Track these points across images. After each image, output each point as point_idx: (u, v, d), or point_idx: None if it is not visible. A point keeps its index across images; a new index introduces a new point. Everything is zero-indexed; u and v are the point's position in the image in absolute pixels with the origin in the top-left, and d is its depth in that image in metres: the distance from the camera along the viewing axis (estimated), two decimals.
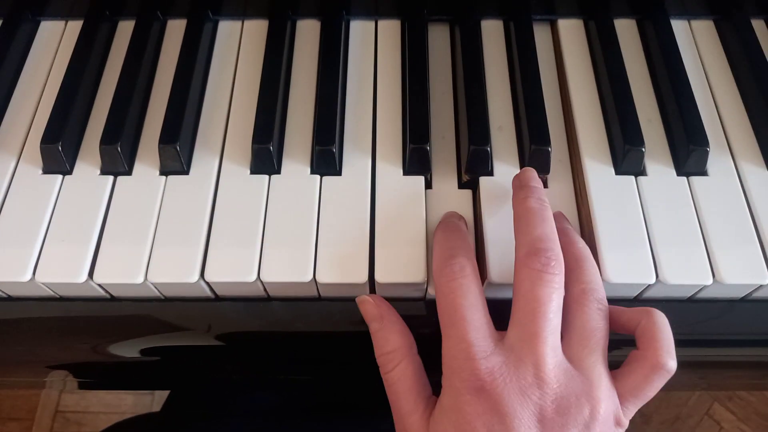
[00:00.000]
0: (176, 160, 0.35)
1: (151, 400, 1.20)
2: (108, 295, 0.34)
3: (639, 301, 0.34)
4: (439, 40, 0.41)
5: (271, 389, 0.55)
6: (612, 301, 0.31)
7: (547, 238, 0.28)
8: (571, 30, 0.41)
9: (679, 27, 0.41)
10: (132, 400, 1.21)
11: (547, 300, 0.26)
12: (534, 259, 0.27)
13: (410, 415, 0.29)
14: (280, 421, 0.55)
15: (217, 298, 0.34)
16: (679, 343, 0.34)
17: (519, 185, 0.31)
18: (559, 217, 0.33)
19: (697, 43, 0.41)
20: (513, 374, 0.26)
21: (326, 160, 0.35)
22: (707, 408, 1.16)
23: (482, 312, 0.27)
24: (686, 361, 0.35)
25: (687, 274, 0.32)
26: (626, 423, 0.27)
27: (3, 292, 0.34)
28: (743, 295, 0.34)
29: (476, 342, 0.26)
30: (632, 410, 0.27)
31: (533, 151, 0.34)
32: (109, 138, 0.35)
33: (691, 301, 0.34)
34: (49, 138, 0.35)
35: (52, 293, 0.34)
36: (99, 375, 0.42)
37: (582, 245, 0.30)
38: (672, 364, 0.27)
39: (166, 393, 1.27)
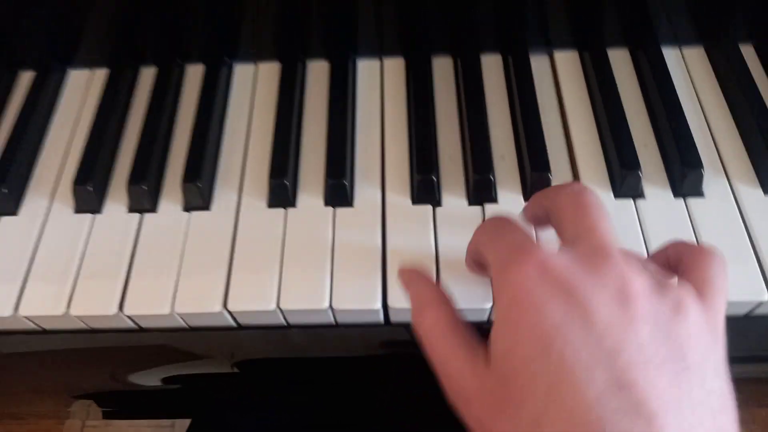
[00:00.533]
0: (198, 197, 0.37)
1: (171, 430, 1.21)
2: (136, 327, 0.36)
3: None
4: (443, 71, 0.43)
5: (290, 413, 0.56)
6: None
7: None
8: (567, 61, 0.43)
9: (670, 54, 0.43)
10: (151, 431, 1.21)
11: (595, 203, 0.25)
12: (567, 190, 0.27)
13: (449, 356, 0.25)
14: None
15: (240, 327, 0.36)
16: None
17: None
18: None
19: (689, 69, 0.43)
20: (577, 254, 0.23)
21: (338, 192, 0.37)
22: None
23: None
24: None
25: (745, 291, 0.33)
26: (717, 307, 0.24)
27: (37, 325, 0.36)
28: (744, 313, 0.35)
29: (529, 239, 0.24)
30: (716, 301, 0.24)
31: (534, 178, 0.36)
32: (136, 178, 0.37)
33: None
34: (81, 179, 0.37)
35: (84, 325, 0.36)
36: (122, 404, 0.44)
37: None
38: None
39: (185, 423, 1.28)
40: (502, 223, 0.26)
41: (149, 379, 0.39)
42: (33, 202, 0.38)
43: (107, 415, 0.51)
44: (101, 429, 1.20)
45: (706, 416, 0.20)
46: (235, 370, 0.39)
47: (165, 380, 0.40)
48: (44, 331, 0.36)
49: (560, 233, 0.26)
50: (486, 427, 0.23)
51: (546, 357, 0.21)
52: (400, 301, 0.33)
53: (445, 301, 0.27)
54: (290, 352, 0.38)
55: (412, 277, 0.30)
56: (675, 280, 0.25)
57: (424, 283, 0.29)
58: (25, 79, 0.44)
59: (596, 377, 0.20)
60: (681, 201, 0.36)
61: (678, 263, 0.26)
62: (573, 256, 0.23)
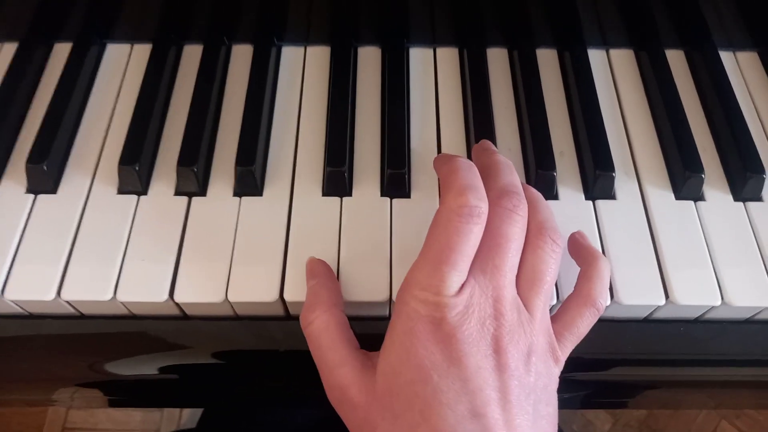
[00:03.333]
0: (252, 181, 0.35)
1: (160, 417, 1.19)
2: (181, 314, 0.35)
3: (648, 321, 0.35)
4: (497, 61, 0.43)
5: (307, 406, 0.56)
6: (621, 321, 0.34)
7: (517, 185, 0.30)
8: (623, 60, 0.43)
9: (725, 58, 0.43)
10: (140, 416, 1.20)
11: (512, 237, 0.28)
12: (506, 199, 0.29)
13: (339, 366, 0.28)
14: None
15: (288, 317, 0.35)
16: (685, 364, 0.36)
17: (482, 147, 0.34)
18: None
19: (743, 73, 0.42)
20: (475, 306, 0.27)
21: (397, 182, 0.36)
22: (715, 426, 1.17)
23: (472, 255, 0.28)
24: (695, 380, 0.37)
25: (751, 295, 0.33)
26: (563, 359, 0.29)
27: (76, 309, 0.34)
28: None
29: (453, 282, 0.27)
30: (569, 347, 0.30)
31: (598, 176, 0.36)
32: (185, 160, 0.35)
33: (699, 321, 0.35)
34: (126, 159, 0.36)
35: (126, 311, 0.34)
36: (110, 392, 0.42)
37: (534, 190, 0.32)
38: (601, 302, 0.30)
39: (175, 410, 1.25)
40: (468, 230, 0.27)
41: (145, 368, 0.38)
42: (73, 181, 0.37)
43: (92, 404, 0.49)
44: (88, 412, 1.18)
45: None
46: (253, 359, 0.38)
47: (162, 369, 0.38)
48: (31, 316, 0.35)
49: (479, 246, 0.28)
50: (367, 429, 0.27)
51: (424, 385, 0.26)
52: None
53: (336, 304, 0.30)
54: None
55: (315, 270, 0.32)
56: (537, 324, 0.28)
57: (323, 281, 0.31)
58: (61, 51, 0.42)
59: (459, 407, 0.25)
60: (741, 204, 0.36)
61: (579, 275, 0.31)
62: (467, 305, 0.27)
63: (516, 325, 0.27)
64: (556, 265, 0.29)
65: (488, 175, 0.31)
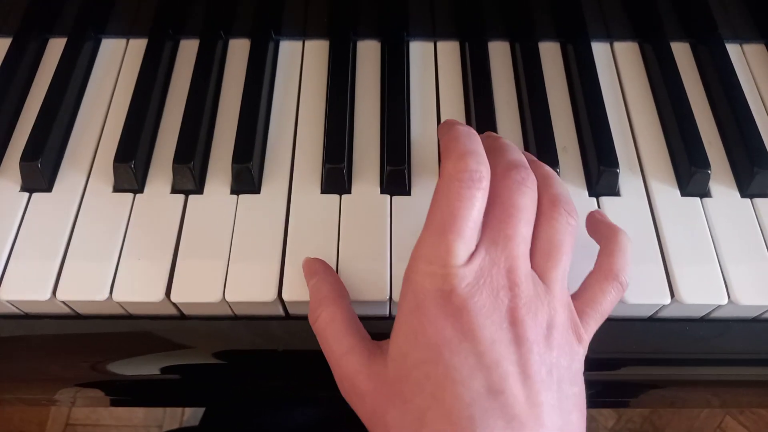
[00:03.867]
0: (249, 179, 0.35)
1: (163, 414, 1.19)
2: (178, 314, 0.34)
3: (653, 320, 0.34)
4: (499, 55, 0.42)
5: (310, 405, 0.55)
6: (625, 320, 0.33)
7: (524, 162, 0.28)
8: (628, 53, 0.42)
9: (732, 51, 0.42)
10: (143, 413, 1.20)
11: (524, 207, 0.26)
12: (514, 171, 0.27)
13: (345, 355, 0.27)
14: None
15: (288, 317, 0.35)
16: (690, 363, 0.35)
17: (487, 134, 0.33)
18: (525, 153, 0.33)
19: (750, 66, 0.42)
20: (485, 277, 0.25)
21: (397, 180, 0.35)
22: (719, 421, 1.17)
23: (478, 223, 0.26)
24: (700, 379, 0.36)
25: (758, 294, 0.32)
26: (587, 338, 0.27)
27: (72, 310, 0.34)
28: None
29: (460, 251, 0.25)
30: (592, 326, 0.28)
31: (602, 172, 0.35)
32: (182, 157, 0.35)
33: (705, 320, 0.34)
34: (122, 157, 0.35)
35: (124, 312, 0.34)
36: (110, 392, 0.42)
37: (547, 168, 0.31)
38: (624, 277, 0.28)
39: (177, 411, 1.25)
40: (472, 189, 0.26)
41: (146, 368, 0.37)
42: (68, 179, 0.36)
43: (95, 402, 0.48)
44: (91, 409, 1.18)
45: (558, 417, 0.24)
46: (255, 359, 0.37)
47: (164, 369, 0.38)
48: (27, 316, 0.34)
49: (485, 219, 0.27)
50: (378, 417, 0.26)
51: (435, 364, 0.24)
52: None
53: (341, 296, 0.29)
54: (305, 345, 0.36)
55: (313, 268, 0.31)
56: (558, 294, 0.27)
57: (323, 276, 0.30)
58: (56, 47, 0.41)
59: (474, 385, 0.24)
60: (748, 201, 0.36)
61: (599, 252, 0.29)
62: (478, 275, 0.25)
63: (533, 296, 0.25)
64: (572, 239, 0.27)
65: (494, 154, 0.29)
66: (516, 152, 0.29)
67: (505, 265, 0.25)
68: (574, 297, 0.28)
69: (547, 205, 0.28)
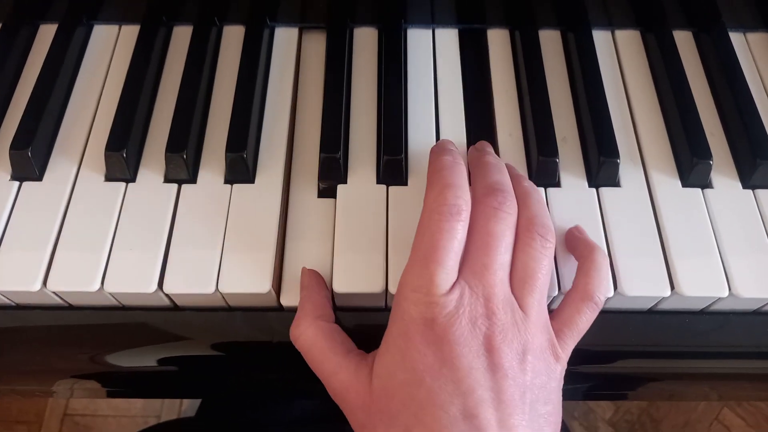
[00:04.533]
0: (243, 168, 0.34)
1: (161, 404, 1.20)
2: (172, 305, 0.34)
3: (652, 312, 0.34)
4: (499, 43, 0.41)
5: (309, 397, 0.55)
6: (624, 312, 0.33)
7: (505, 183, 0.30)
8: (629, 41, 0.41)
9: (735, 39, 0.41)
10: (141, 404, 1.20)
11: (500, 235, 0.28)
12: (491, 197, 0.29)
13: (334, 374, 0.29)
14: (318, 429, 0.54)
15: (281, 309, 0.34)
16: (689, 356, 0.35)
17: (476, 147, 0.34)
18: (509, 166, 0.34)
19: (753, 55, 0.41)
20: (465, 306, 0.27)
21: (394, 169, 0.35)
22: (716, 413, 1.17)
23: (459, 251, 0.28)
24: (699, 372, 0.36)
25: (759, 287, 0.32)
26: (564, 357, 0.29)
27: (64, 300, 0.33)
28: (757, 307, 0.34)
29: (442, 281, 0.27)
30: (570, 344, 0.29)
31: (602, 162, 0.34)
32: (174, 146, 0.34)
33: (705, 313, 0.34)
34: (113, 145, 0.34)
35: (116, 302, 0.33)
36: (107, 383, 0.41)
37: (528, 183, 0.32)
38: (598, 297, 0.29)
39: (174, 402, 1.25)
40: (452, 222, 0.27)
41: (143, 359, 0.37)
42: (59, 168, 0.35)
43: (92, 394, 0.48)
44: (89, 399, 1.18)
45: None
46: (258, 350, 0.37)
47: (161, 361, 0.37)
48: (18, 307, 0.34)
49: (466, 247, 0.28)
50: (368, 430, 0.28)
51: (418, 387, 0.26)
52: None
53: (322, 314, 0.30)
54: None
55: (303, 282, 0.32)
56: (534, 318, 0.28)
57: (308, 294, 0.31)
58: (47, 33, 0.41)
59: (452, 409, 0.26)
60: (750, 192, 0.35)
61: (576, 270, 0.31)
62: (458, 305, 0.27)
63: (509, 324, 0.27)
64: (548, 262, 0.29)
65: (476, 174, 0.31)
66: (496, 172, 0.30)
67: (483, 294, 0.27)
68: (553, 317, 0.29)
69: (522, 229, 0.29)
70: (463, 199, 0.28)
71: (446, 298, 0.26)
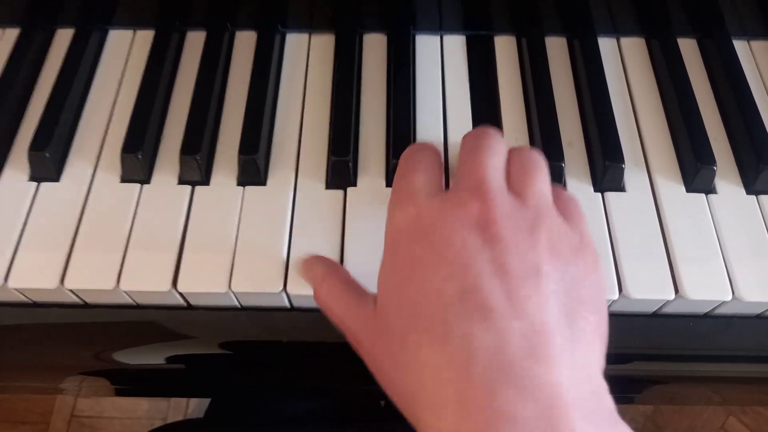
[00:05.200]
0: (255, 171, 0.35)
1: (167, 406, 1.20)
2: (185, 304, 0.34)
3: (656, 316, 0.34)
4: (505, 50, 0.42)
5: (315, 396, 0.56)
6: (629, 315, 0.33)
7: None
8: (634, 48, 0.42)
9: (739, 47, 0.42)
10: (147, 405, 1.21)
11: (488, 145, 0.27)
12: (477, 129, 0.29)
13: (344, 320, 0.27)
14: (324, 429, 0.55)
15: (292, 309, 0.35)
16: (693, 359, 0.35)
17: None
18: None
19: (757, 62, 0.41)
20: (453, 196, 0.25)
21: None
22: (722, 422, 1.17)
23: (438, 172, 0.27)
24: (702, 376, 0.37)
25: (763, 291, 0.32)
26: (587, 239, 0.26)
27: (80, 299, 0.34)
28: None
29: (421, 184, 0.26)
30: (585, 231, 0.27)
31: (607, 167, 0.35)
32: (189, 148, 0.35)
33: (709, 317, 0.34)
34: (129, 147, 0.35)
35: (131, 301, 0.34)
36: (116, 381, 0.42)
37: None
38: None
39: (182, 399, 1.26)
40: (419, 154, 0.29)
41: (154, 357, 0.38)
42: (76, 169, 0.36)
43: (100, 392, 0.49)
44: (95, 400, 1.19)
45: (552, 317, 0.22)
46: (266, 350, 0.38)
47: (167, 359, 0.38)
48: (35, 304, 0.35)
49: (458, 168, 0.27)
50: (374, 356, 0.26)
51: (409, 283, 0.24)
52: None
53: (333, 268, 0.30)
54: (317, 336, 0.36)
55: (306, 263, 0.31)
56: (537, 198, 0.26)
57: (313, 263, 0.31)
58: (63, 37, 0.42)
59: (447, 290, 0.22)
60: (753, 198, 0.36)
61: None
62: (446, 198, 0.25)
63: (507, 204, 0.24)
64: (545, 165, 0.27)
65: (465, 138, 0.30)
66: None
67: (475, 183, 0.25)
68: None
69: (513, 151, 0.28)
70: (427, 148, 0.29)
71: (431, 197, 0.25)
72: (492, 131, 0.28)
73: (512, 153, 0.28)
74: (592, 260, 0.25)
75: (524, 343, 0.21)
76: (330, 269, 0.30)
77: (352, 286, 0.29)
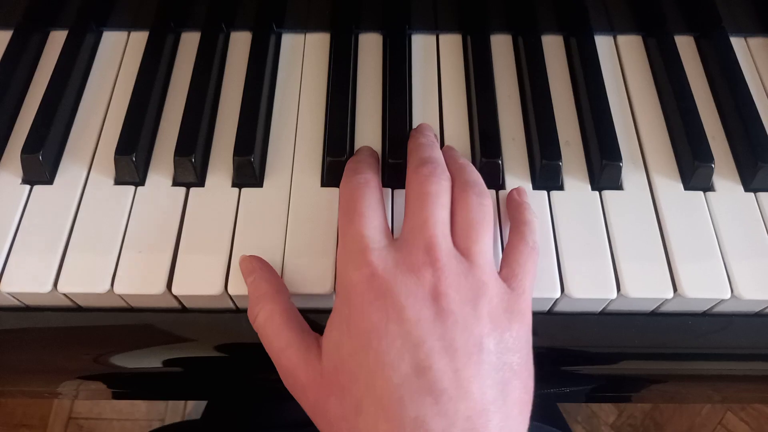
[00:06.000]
0: (251, 172, 0.35)
1: (165, 408, 1.20)
2: (180, 307, 0.34)
3: (655, 315, 0.34)
4: (500, 52, 0.42)
5: None
6: (627, 314, 0.33)
7: (436, 158, 0.31)
8: (631, 46, 0.42)
9: (736, 44, 0.41)
10: (145, 407, 1.20)
11: (435, 193, 0.28)
12: (422, 168, 0.29)
13: (284, 350, 0.27)
14: None
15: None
16: (692, 357, 0.35)
17: (415, 129, 0.35)
18: (447, 147, 0.36)
19: (754, 59, 0.41)
20: (405, 258, 0.26)
21: (399, 172, 0.35)
22: (720, 418, 1.17)
23: (381, 214, 0.28)
24: (701, 375, 0.36)
25: (761, 288, 0.32)
26: (525, 303, 0.27)
27: (73, 302, 0.34)
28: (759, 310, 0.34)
29: (371, 235, 0.26)
30: (527, 289, 0.28)
31: (604, 166, 0.35)
32: (183, 150, 0.35)
33: (707, 315, 0.34)
34: (123, 149, 0.35)
35: (125, 304, 0.34)
36: (113, 385, 0.42)
37: (464, 160, 0.33)
38: (534, 240, 0.30)
39: (179, 401, 1.25)
40: (359, 178, 0.30)
41: (150, 360, 0.37)
42: (69, 171, 0.36)
43: (98, 395, 0.49)
44: (93, 402, 1.18)
45: (490, 387, 0.24)
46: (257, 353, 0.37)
47: (163, 362, 0.38)
48: (27, 308, 0.34)
49: (405, 214, 0.28)
50: (320, 409, 0.26)
51: (365, 352, 0.24)
52: None
53: (279, 292, 0.30)
54: None
55: (250, 266, 0.31)
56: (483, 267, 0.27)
57: (260, 274, 0.30)
58: (57, 39, 0.41)
59: (402, 366, 0.24)
60: (751, 195, 0.35)
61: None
62: (398, 258, 0.26)
63: (455, 270, 0.26)
64: (489, 217, 0.28)
65: (410, 152, 0.32)
66: (429, 149, 0.31)
67: (424, 245, 0.26)
68: (500, 268, 0.29)
69: (458, 191, 0.29)
70: (373, 159, 0.31)
71: (383, 251, 0.26)
72: (436, 171, 0.29)
73: (457, 203, 0.29)
74: (525, 314, 0.27)
75: (468, 425, 0.23)
76: (274, 289, 0.30)
77: (295, 319, 0.29)
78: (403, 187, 0.35)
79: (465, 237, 0.27)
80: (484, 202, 0.29)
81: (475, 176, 0.31)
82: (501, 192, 0.35)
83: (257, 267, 0.31)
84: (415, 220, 0.27)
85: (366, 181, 0.29)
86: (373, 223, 0.27)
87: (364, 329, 0.25)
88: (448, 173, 0.30)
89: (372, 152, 0.34)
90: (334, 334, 0.26)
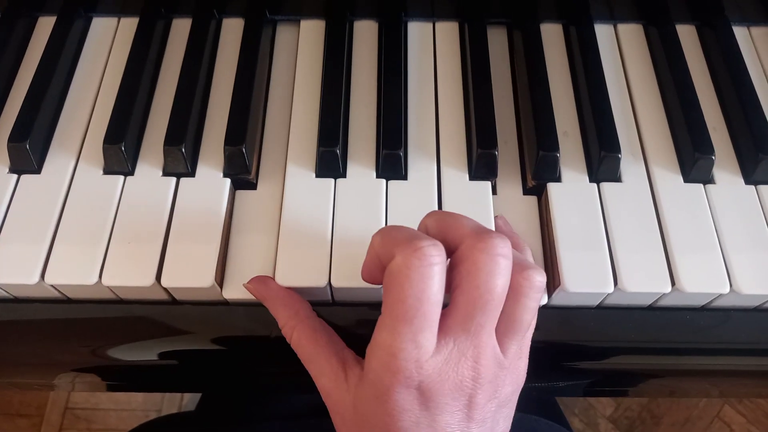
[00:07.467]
0: (242, 162, 0.34)
1: (162, 398, 1.20)
2: (170, 299, 0.34)
3: (653, 309, 0.34)
4: (496, 43, 0.41)
5: (309, 390, 0.55)
6: (625, 309, 0.33)
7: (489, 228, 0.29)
8: (632, 35, 0.41)
9: (739, 34, 0.41)
10: (142, 397, 1.20)
11: (501, 292, 0.24)
12: (488, 240, 0.24)
13: (318, 378, 0.29)
14: (317, 424, 0.54)
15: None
16: (690, 352, 0.35)
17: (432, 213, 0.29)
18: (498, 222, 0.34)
19: (757, 49, 0.41)
20: (453, 371, 0.25)
21: (393, 164, 0.34)
22: (718, 410, 1.17)
23: (439, 308, 0.24)
24: (700, 369, 0.36)
25: (761, 283, 0.32)
26: (521, 372, 0.28)
27: (62, 294, 0.33)
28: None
29: (424, 343, 0.24)
30: (524, 343, 0.28)
31: (603, 157, 0.34)
32: (173, 139, 0.34)
33: (706, 309, 0.34)
34: (112, 138, 0.34)
35: (114, 296, 0.33)
36: (108, 377, 0.41)
37: (518, 237, 0.33)
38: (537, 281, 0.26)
39: (175, 396, 1.25)
40: (425, 284, 0.24)
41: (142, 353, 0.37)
42: (57, 161, 0.35)
43: (93, 387, 0.48)
44: (90, 392, 1.18)
45: None
46: (255, 345, 0.37)
47: (161, 355, 0.37)
48: (16, 300, 0.34)
49: (453, 296, 0.25)
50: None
51: (395, 423, 0.25)
52: None
53: (297, 313, 0.30)
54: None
55: (259, 294, 0.31)
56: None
57: (271, 302, 0.31)
58: (45, 25, 0.40)
59: None
60: (752, 188, 0.35)
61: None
62: (443, 369, 0.25)
63: (492, 379, 0.26)
64: (537, 307, 0.26)
65: (451, 224, 0.26)
66: (470, 219, 0.26)
67: (473, 355, 0.25)
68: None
69: (516, 274, 0.25)
70: (433, 243, 0.24)
71: (431, 362, 0.24)
72: (503, 243, 0.24)
73: (510, 297, 0.25)
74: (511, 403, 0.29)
75: None
76: (295, 314, 0.30)
77: (321, 338, 0.30)
78: (398, 178, 0.34)
79: (506, 332, 0.27)
80: (540, 294, 0.26)
81: (528, 252, 0.32)
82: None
83: (265, 296, 0.31)
84: (471, 322, 0.25)
85: (437, 254, 0.24)
86: (429, 325, 0.24)
87: (397, 417, 0.26)
88: (509, 245, 0.25)
89: (397, 226, 0.27)
90: (365, 404, 0.27)
